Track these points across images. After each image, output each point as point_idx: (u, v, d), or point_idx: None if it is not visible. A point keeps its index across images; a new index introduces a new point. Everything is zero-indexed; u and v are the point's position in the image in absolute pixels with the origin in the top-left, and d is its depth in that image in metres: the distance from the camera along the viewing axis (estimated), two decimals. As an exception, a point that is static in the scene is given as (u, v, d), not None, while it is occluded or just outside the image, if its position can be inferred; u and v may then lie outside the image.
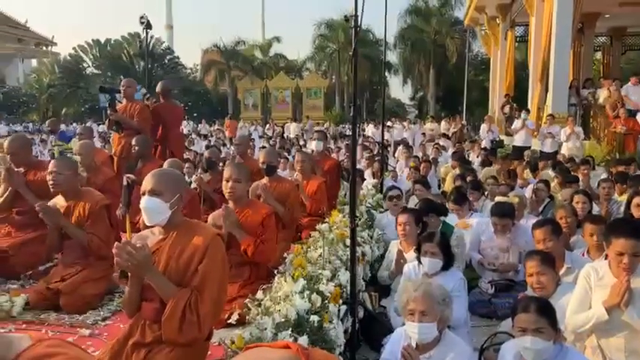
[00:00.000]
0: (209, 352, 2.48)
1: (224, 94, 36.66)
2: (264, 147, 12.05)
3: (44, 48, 46.25)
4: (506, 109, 14.77)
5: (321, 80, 31.71)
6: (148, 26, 6.85)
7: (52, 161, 3.66)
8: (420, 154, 10.70)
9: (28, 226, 4.22)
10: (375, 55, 29.40)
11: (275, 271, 3.38)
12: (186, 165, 7.02)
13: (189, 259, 2.26)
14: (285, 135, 19.75)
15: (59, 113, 34.03)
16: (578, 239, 4.03)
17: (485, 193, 6.00)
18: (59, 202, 3.55)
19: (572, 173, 6.81)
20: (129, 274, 2.25)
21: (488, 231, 4.33)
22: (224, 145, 15.87)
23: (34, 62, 45.35)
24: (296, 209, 4.69)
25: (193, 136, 19.12)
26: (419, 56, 31.90)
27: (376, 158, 8.47)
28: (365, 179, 7.51)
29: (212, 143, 14.78)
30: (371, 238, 4.28)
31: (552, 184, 6.34)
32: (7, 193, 4.23)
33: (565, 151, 10.04)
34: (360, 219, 4.32)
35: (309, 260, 3.27)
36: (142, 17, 6.86)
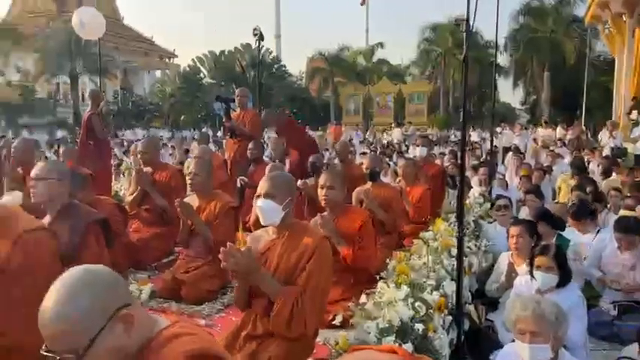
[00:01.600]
0: (314, 351, 2.57)
1: (327, 100, 37.41)
2: (364, 153, 12.12)
3: (167, 60, 50.69)
4: (634, 114, 13.37)
5: (425, 84, 31.13)
6: (261, 38, 7.24)
7: (193, 163, 4.04)
8: (532, 162, 10.07)
9: (154, 223, 4.69)
10: (484, 57, 28.22)
11: (377, 277, 3.40)
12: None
13: (298, 258, 2.38)
14: (387, 140, 19.66)
15: (178, 120, 37.07)
16: None
17: (608, 205, 5.50)
18: (193, 200, 3.91)
19: None
20: None
21: (611, 246, 3.96)
22: (326, 150, 16.20)
23: (157, 73, 49.80)
24: (399, 216, 4.66)
25: (298, 141, 19.69)
26: (532, 58, 30.05)
27: (483, 165, 8.13)
28: (471, 187, 7.24)
29: (315, 148, 15.07)
30: (478, 248, 4.13)
31: (690, 198, 5.63)
32: (137, 191, 4.74)
33: None
34: (467, 228, 4.18)
35: (412, 268, 3.25)
36: (255, 29, 7.27)
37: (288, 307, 2.29)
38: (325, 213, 3.50)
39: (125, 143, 18.61)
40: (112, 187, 6.66)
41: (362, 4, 45.71)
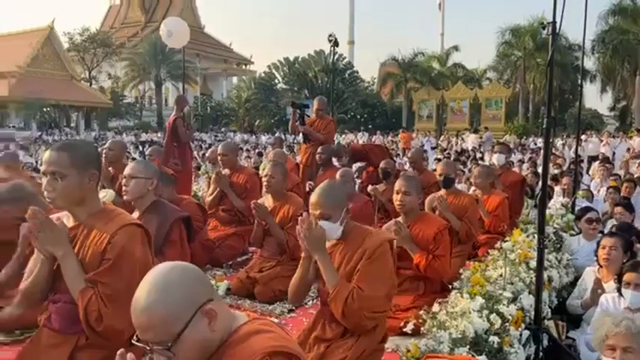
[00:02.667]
0: (383, 357, 2.55)
1: (399, 105, 37.04)
2: (438, 159, 11.86)
3: (244, 67, 52.59)
4: None
5: (503, 89, 29.91)
6: (336, 44, 7.33)
7: (269, 166, 4.17)
8: (621, 173, 9.38)
9: (230, 222, 4.89)
10: (568, 61, 26.70)
11: (450, 286, 3.32)
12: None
13: (356, 261, 2.40)
14: (462, 146, 19.12)
15: (253, 125, 38.31)
16: None
17: None
18: (267, 201, 4.03)
19: None
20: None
21: None
22: (397, 155, 16.03)
23: (234, 80, 51.78)
24: (474, 224, 4.52)
25: (368, 146, 19.62)
26: (622, 61, 27.95)
27: (566, 175, 7.69)
28: (552, 197, 6.87)
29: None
30: (559, 262, 3.92)
31: None
32: (215, 192, 4.97)
33: None
34: (547, 240, 3.99)
35: (487, 279, 3.15)
36: (330, 35, 7.37)
37: (343, 296, 2.31)
38: (399, 218, 3.47)
39: (203, 147, 19.48)
40: (192, 188, 6.99)
41: (439, 9, 45.01)
